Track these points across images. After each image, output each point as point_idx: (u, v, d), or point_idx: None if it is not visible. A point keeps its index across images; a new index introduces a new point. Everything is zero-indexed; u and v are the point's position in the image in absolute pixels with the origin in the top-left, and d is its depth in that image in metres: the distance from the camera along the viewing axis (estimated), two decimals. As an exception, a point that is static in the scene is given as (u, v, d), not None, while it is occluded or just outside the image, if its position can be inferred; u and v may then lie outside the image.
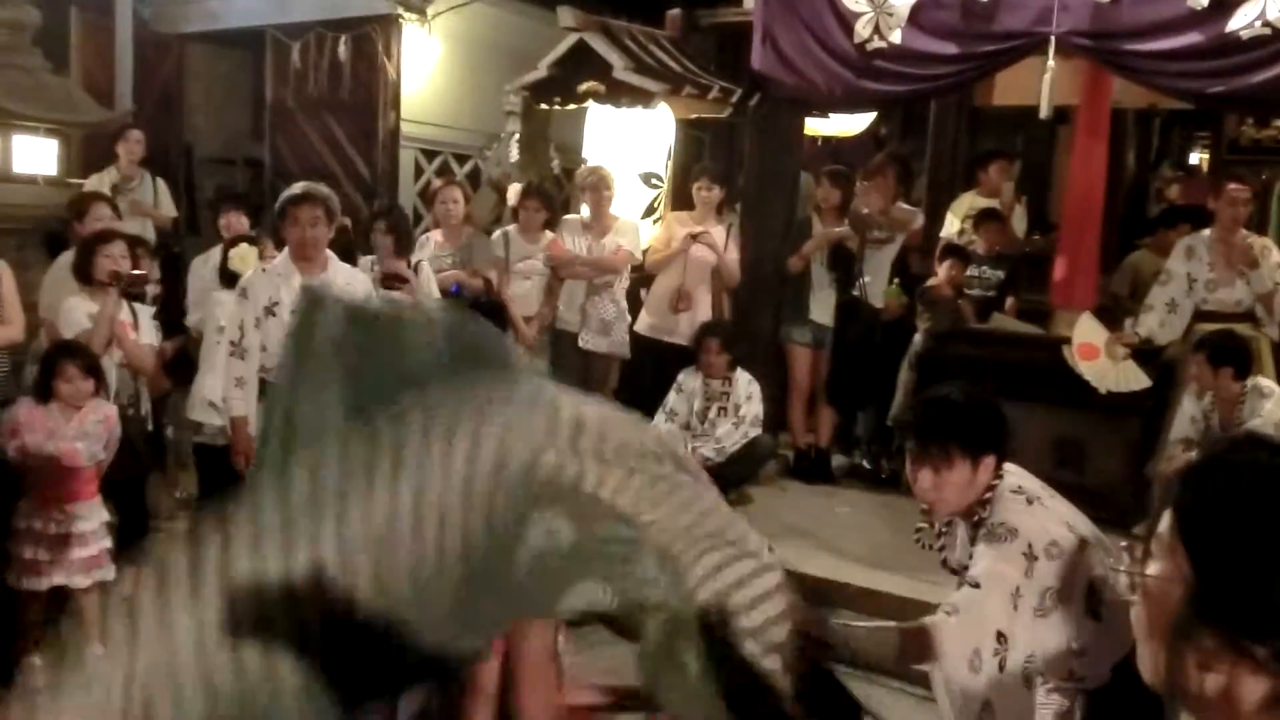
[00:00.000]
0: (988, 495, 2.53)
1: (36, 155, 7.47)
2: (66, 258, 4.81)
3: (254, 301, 4.07)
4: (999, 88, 6.84)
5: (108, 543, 3.92)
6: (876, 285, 6.08)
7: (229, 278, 4.68)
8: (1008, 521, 2.48)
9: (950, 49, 5.42)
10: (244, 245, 4.72)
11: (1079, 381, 5.28)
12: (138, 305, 4.38)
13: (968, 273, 6.08)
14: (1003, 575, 2.40)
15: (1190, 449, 4.80)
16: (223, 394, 4.20)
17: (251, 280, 4.14)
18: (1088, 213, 6.11)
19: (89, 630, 3.95)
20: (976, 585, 2.43)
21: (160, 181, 7.31)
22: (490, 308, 5.77)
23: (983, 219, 6.21)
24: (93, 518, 3.88)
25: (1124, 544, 1.05)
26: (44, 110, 7.46)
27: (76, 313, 4.31)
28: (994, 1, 5.20)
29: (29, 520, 3.79)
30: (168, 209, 7.23)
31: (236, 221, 5.57)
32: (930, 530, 2.75)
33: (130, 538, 4.14)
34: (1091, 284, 6.18)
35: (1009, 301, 6.24)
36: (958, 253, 6.07)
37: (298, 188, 4.16)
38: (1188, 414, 4.97)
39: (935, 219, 6.71)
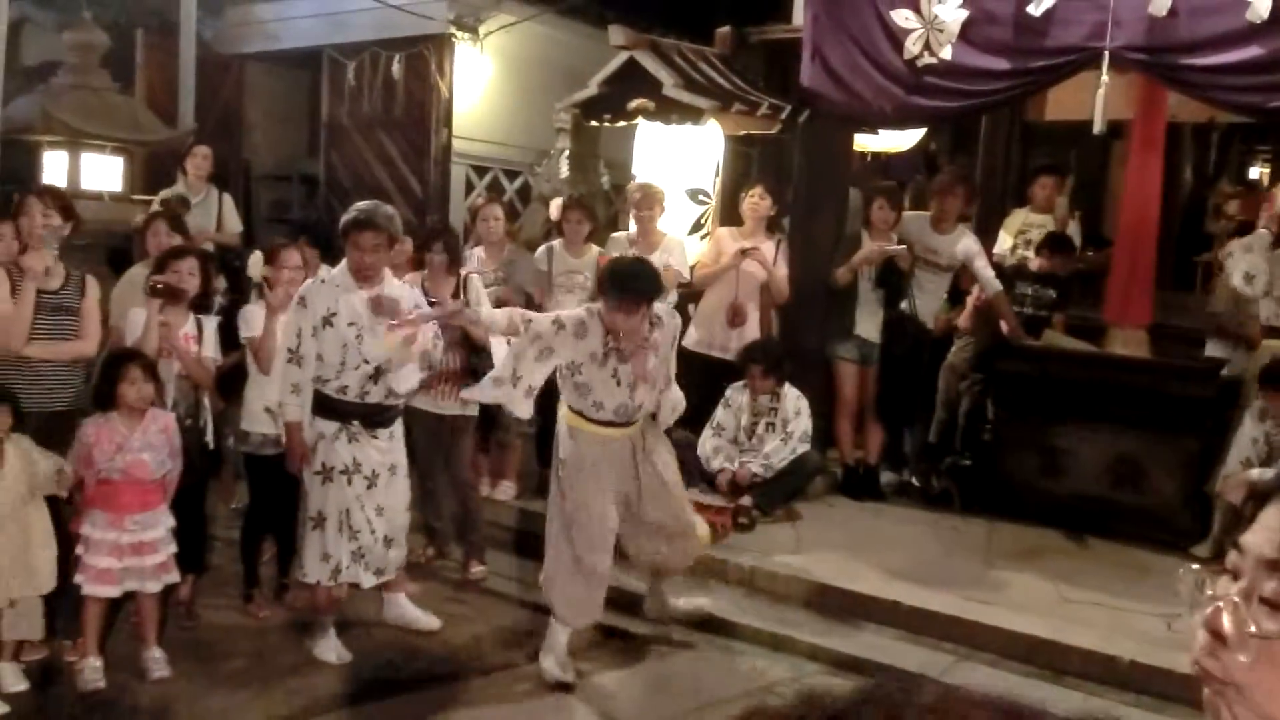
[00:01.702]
0: None
1: (103, 172, 7.70)
2: (133, 271, 4.94)
3: (312, 311, 4.15)
4: (1051, 102, 6.78)
5: (173, 548, 4.04)
6: (929, 305, 6.04)
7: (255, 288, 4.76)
8: None
9: (1002, 64, 5.39)
10: (256, 253, 4.79)
11: (1136, 399, 5.21)
12: (204, 318, 4.47)
13: (1019, 290, 6.03)
14: None
15: (1250, 469, 4.72)
16: (279, 400, 4.30)
17: (310, 290, 4.22)
18: (1143, 229, 6.03)
19: (148, 631, 4.09)
20: None
21: (227, 197, 7.39)
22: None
23: (1054, 246, 6.11)
24: (160, 526, 4.00)
25: (1194, 568, 0.88)
26: (111, 129, 7.69)
27: (140, 324, 4.43)
28: (1046, 16, 5.16)
29: (102, 531, 3.89)
30: (233, 224, 7.29)
31: (310, 255, 5.56)
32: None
33: (188, 545, 4.25)
34: (1147, 301, 6.09)
35: (1056, 319, 6.19)
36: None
37: (362, 212, 4.19)
38: (1249, 435, 4.89)
39: (986, 235, 6.66)
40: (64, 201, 4.48)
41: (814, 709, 0.50)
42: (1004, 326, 5.89)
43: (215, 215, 7.19)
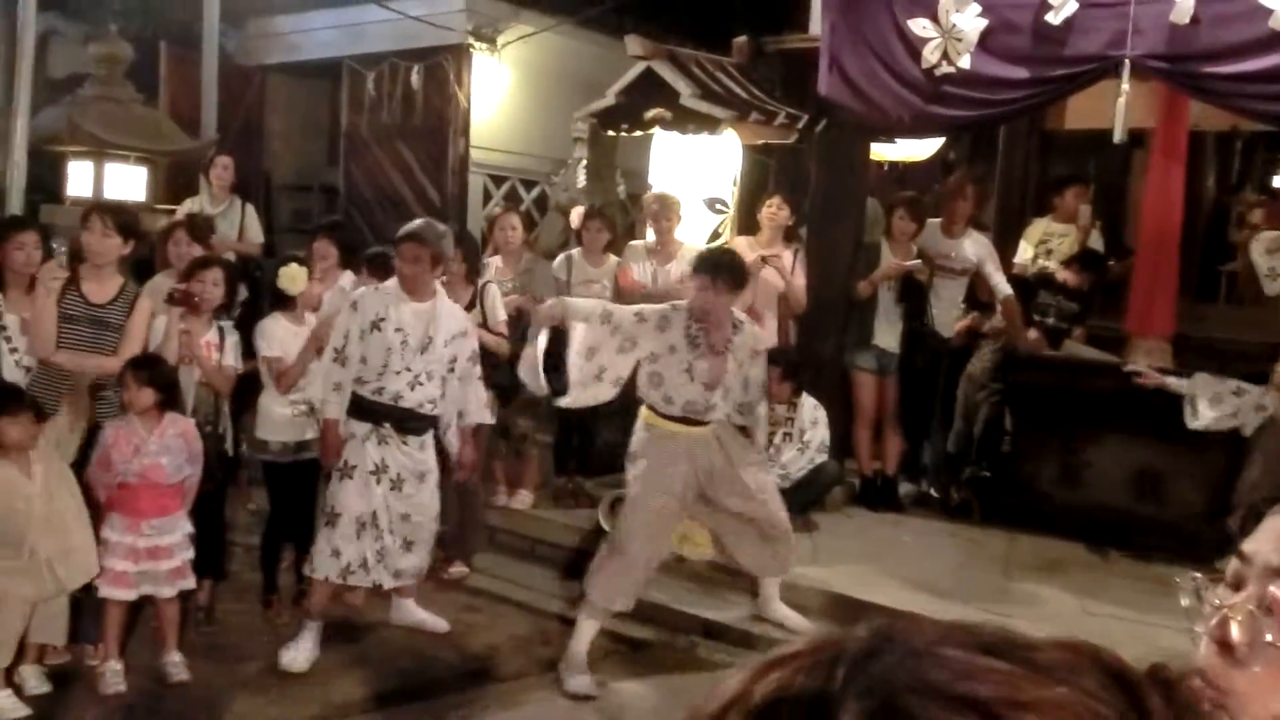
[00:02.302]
0: None
1: (127, 182, 7.76)
2: (154, 280, 4.97)
3: (362, 314, 4.24)
4: (1071, 111, 6.74)
5: (190, 554, 4.07)
6: (945, 312, 6.03)
7: (279, 299, 4.78)
8: None
9: (1020, 73, 5.37)
10: (293, 265, 4.79)
11: (1159, 410, 5.17)
12: (226, 327, 4.50)
13: (1041, 300, 5.99)
14: None
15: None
16: (320, 396, 4.37)
17: (364, 296, 4.34)
18: (1165, 238, 5.98)
19: (168, 635, 4.12)
20: None
21: (249, 207, 7.44)
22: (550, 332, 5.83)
23: (1084, 262, 6.07)
24: (177, 531, 4.03)
25: (1194, 576, 0.86)
26: (135, 139, 7.76)
27: (162, 331, 4.48)
28: (1066, 25, 5.13)
29: (120, 535, 3.93)
30: (255, 234, 7.34)
31: (327, 250, 5.61)
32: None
33: (207, 550, 4.28)
34: (1170, 311, 6.04)
35: (1076, 331, 6.15)
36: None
37: (411, 225, 4.36)
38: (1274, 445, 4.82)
39: (1006, 244, 6.62)
40: (123, 219, 4.46)
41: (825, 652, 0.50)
42: (1009, 329, 5.87)
43: (238, 225, 7.25)
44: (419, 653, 4.48)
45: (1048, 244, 6.38)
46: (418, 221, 4.40)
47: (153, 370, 4.05)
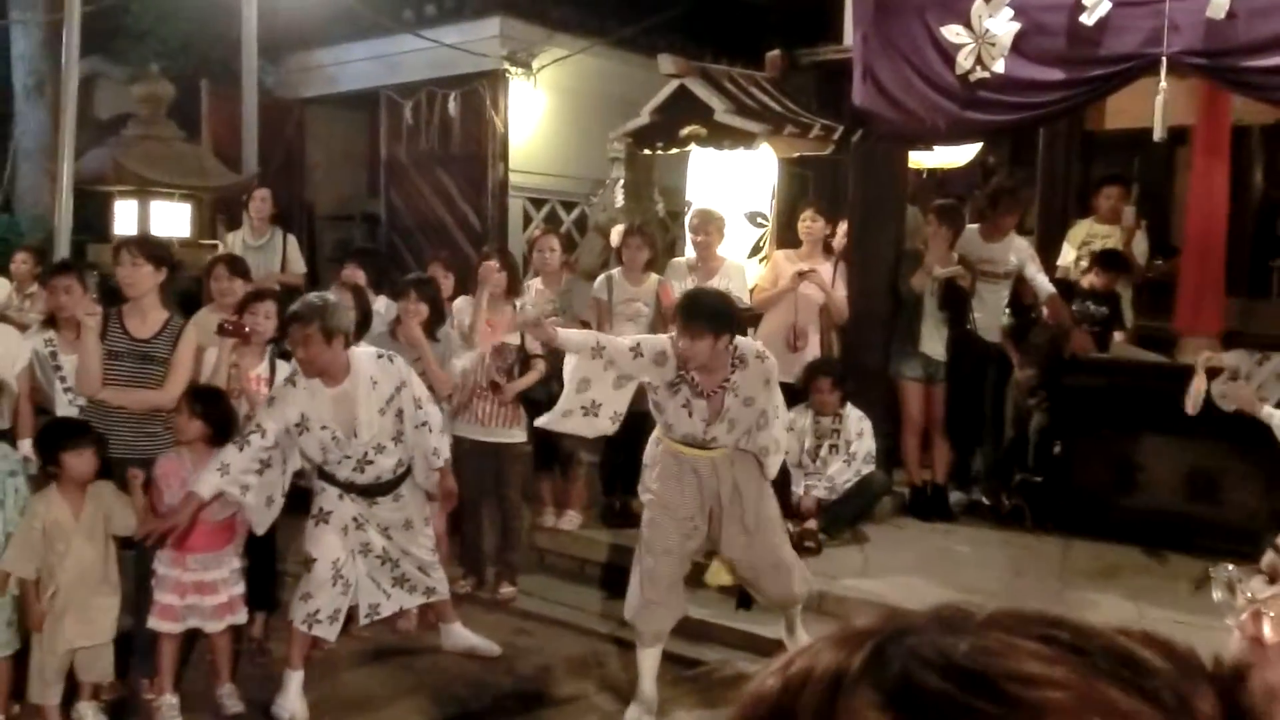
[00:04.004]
0: None
1: (172, 219, 7.93)
2: (199, 315, 5.06)
3: (282, 414, 4.00)
4: (1110, 111, 6.67)
5: (239, 588, 4.11)
6: (990, 318, 5.96)
7: None
8: None
9: (1056, 75, 5.32)
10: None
11: (1210, 410, 5.07)
12: (280, 362, 4.55)
13: (1073, 306, 5.94)
14: None
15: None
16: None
17: (281, 394, 4.09)
18: (1211, 235, 5.89)
19: (221, 667, 4.16)
20: None
21: (291, 238, 7.55)
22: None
23: (1105, 263, 6.00)
24: (224, 566, 4.06)
25: (1228, 568, 0.86)
26: (178, 176, 7.93)
27: (212, 364, 4.56)
28: (1100, 25, 5.08)
29: (166, 568, 3.99)
30: (297, 265, 7.45)
31: (355, 275, 5.76)
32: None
33: (259, 583, 4.32)
34: (1218, 308, 5.94)
35: (1119, 335, 6.07)
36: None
37: (291, 309, 4.06)
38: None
39: (1048, 248, 6.55)
40: (151, 248, 4.52)
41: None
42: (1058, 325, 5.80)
43: (279, 256, 7.36)
44: (472, 678, 4.49)
45: (1090, 245, 6.30)
46: (297, 302, 4.07)
47: (209, 403, 4.09)
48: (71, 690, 3.91)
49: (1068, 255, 6.41)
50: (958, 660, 0.47)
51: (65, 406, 4.42)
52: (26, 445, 4.22)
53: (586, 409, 4.05)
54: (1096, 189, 6.52)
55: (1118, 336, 6.09)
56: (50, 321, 4.75)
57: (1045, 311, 5.97)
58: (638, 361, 3.94)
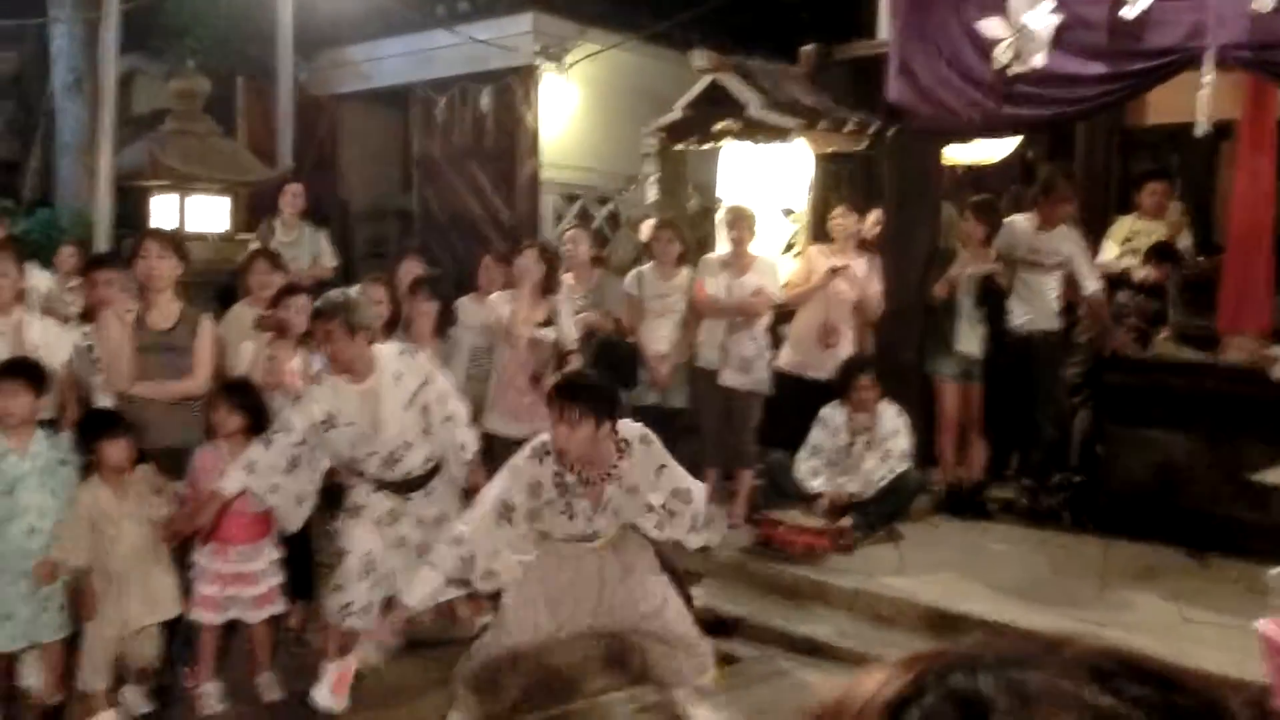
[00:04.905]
0: None
1: (209, 213, 8.01)
2: (236, 309, 5.11)
3: (307, 414, 3.96)
4: (1152, 105, 6.58)
5: (278, 579, 4.14)
6: (1042, 307, 5.85)
7: None
8: None
9: (1097, 69, 5.24)
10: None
11: (1258, 411, 4.99)
12: (314, 356, 4.58)
13: (1119, 301, 5.85)
14: None
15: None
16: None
17: (310, 393, 4.05)
18: (1256, 232, 5.78)
19: (261, 656, 4.19)
20: None
21: (322, 233, 7.61)
22: (621, 348, 5.85)
23: (1160, 256, 5.90)
24: (262, 557, 4.10)
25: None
26: (215, 171, 8.01)
27: (248, 357, 4.59)
28: (1142, 19, 5.00)
29: (208, 560, 4.03)
30: (328, 259, 7.51)
31: (414, 268, 5.83)
32: None
33: (297, 573, 4.35)
34: (1265, 306, 5.83)
35: (1163, 332, 5.98)
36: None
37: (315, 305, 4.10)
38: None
39: (1089, 244, 6.46)
40: (175, 243, 4.61)
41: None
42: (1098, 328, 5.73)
43: (310, 251, 7.42)
44: (505, 670, 4.49)
45: (1133, 242, 6.21)
46: (320, 298, 4.09)
47: (243, 395, 4.14)
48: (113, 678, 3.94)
49: (1110, 251, 6.32)
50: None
51: (105, 398, 4.48)
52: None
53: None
54: (1139, 184, 6.42)
55: (1161, 334, 6.01)
56: (88, 315, 4.82)
57: (1084, 308, 5.89)
58: (514, 514, 3.59)
